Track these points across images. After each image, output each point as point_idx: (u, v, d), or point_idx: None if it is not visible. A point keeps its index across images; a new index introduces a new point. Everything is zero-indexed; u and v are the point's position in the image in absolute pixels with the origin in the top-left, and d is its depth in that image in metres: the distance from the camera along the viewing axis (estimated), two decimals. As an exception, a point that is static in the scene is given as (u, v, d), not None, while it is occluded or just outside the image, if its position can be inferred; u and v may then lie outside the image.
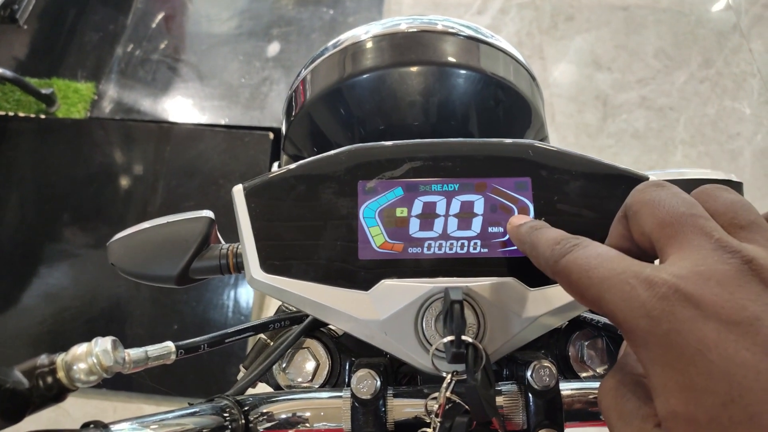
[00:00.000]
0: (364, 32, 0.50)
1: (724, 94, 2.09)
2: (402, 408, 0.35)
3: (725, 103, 2.07)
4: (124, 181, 1.71)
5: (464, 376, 0.31)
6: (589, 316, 0.42)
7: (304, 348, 0.41)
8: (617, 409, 0.24)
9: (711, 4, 2.34)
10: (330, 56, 0.50)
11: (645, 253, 0.25)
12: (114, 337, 0.32)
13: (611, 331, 0.41)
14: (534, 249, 0.28)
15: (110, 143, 1.74)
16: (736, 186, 0.52)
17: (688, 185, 0.50)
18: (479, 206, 0.35)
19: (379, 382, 0.34)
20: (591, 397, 0.35)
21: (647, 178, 0.35)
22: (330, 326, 0.42)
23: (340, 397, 0.35)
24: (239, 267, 0.43)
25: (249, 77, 1.94)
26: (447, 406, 0.31)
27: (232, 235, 0.42)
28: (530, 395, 0.34)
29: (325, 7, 2.17)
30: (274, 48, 2.01)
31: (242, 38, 2.04)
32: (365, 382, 0.34)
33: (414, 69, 0.48)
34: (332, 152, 0.36)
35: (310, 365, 0.40)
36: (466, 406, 0.30)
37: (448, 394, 0.31)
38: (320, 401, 0.36)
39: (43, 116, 1.88)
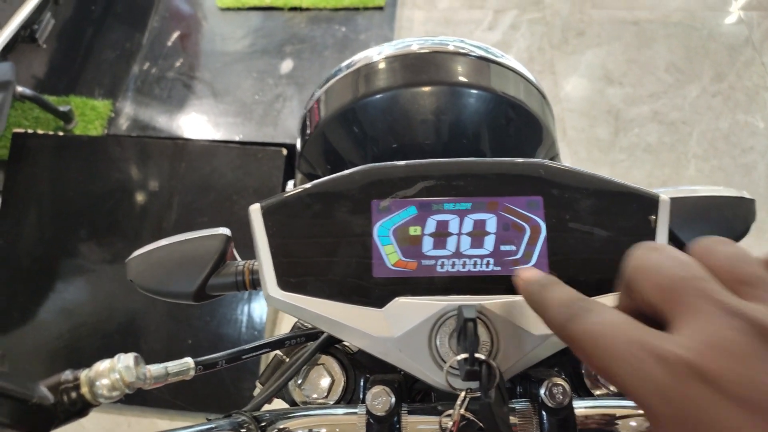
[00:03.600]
0: (377, 53, 0.51)
1: (736, 107, 2.08)
2: (416, 425, 0.35)
3: (738, 116, 2.06)
4: (140, 197, 1.73)
5: (478, 394, 0.32)
6: None
7: (320, 365, 0.41)
8: None
9: (722, 18, 2.34)
10: (344, 77, 0.52)
11: (653, 317, 0.24)
12: (136, 354, 0.33)
13: None
14: (543, 309, 0.28)
15: (126, 159, 1.76)
16: (749, 203, 0.52)
17: (701, 202, 0.51)
18: (491, 225, 0.36)
19: (393, 399, 0.35)
20: (605, 414, 0.35)
21: (657, 196, 0.36)
22: (345, 343, 0.43)
23: (355, 413, 0.36)
24: (255, 284, 0.44)
25: (262, 94, 1.97)
26: (461, 423, 0.31)
27: (247, 251, 0.42)
28: (544, 413, 0.34)
29: (337, 24, 2.19)
30: (287, 65, 2.04)
31: (256, 56, 2.07)
32: (380, 398, 0.34)
33: (426, 89, 0.49)
34: (346, 172, 0.37)
35: (326, 381, 0.41)
36: (481, 424, 0.31)
37: (462, 411, 0.31)
38: (336, 417, 0.36)
39: (60, 133, 1.92)
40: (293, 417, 0.36)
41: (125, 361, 0.33)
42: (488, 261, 0.35)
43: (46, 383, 0.31)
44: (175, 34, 2.18)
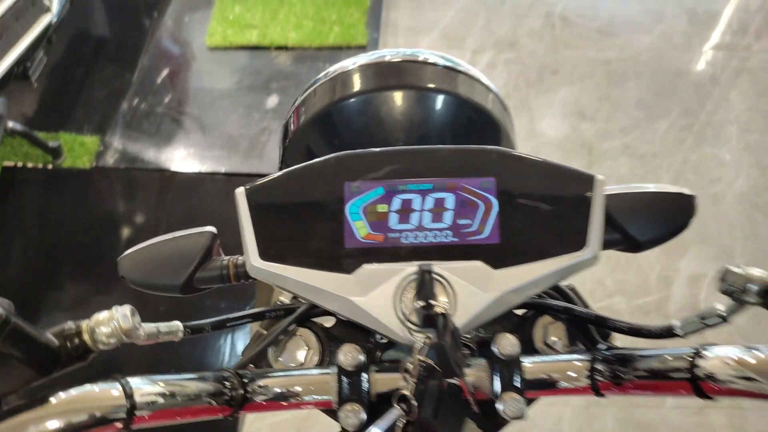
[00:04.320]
0: (352, 63, 0.57)
1: (704, 141, 2.18)
2: (384, 381, 0.39)
3: (705, 149, 2.16)
4: (127, 228, 1.76)
5: (438, 342, 0.36)
6: (552, 302, 0.46)
7: (297, 336, 0.45)
8: None
9: (689, 57, 2.47)
10: (321, 84, 0.57)
11: None
12: (132, 306, 0.37)
13: (571, 314, 0.45)
14: None
15: (114, 191, 1.80)
16: (689, 199, 0.57)
17: (645, 197, 0.56)
18: (450, 202, 0.40)
19: (362, 357, 0.38)
20: (551, 368, 0.39)
21: (593, 176, 0.41)
22: (321, 318, 0.47)
23: (329, 373, 0.39)
24: (239, 276, 0.48)
25: (248, 128, 2.03)
26: (421, 368, 0.35)
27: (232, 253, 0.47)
28: (495, 365, 0.38)
29: (321, 62, 2.28)
30: (272, 101, 2.11)
31: (243, 92, 2.15)
32: (350, 354, 0.38)
33: (396, 93, 0.54)
34: (323, 158, 0.42)
35: (302, 352, 0.44)
36: (438, 368, 0.35)
37: (420, 357, 0.35)
38: (310, 377, 0.40)
39: (49, 166, 1.95)
40: (273, 377, 0.40)
41: (122, 311, 0.36)
42: (447, 233, 0.40)
43: (51, 331, 0.34)
44: (165, 72, 2.25)
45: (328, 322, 0.47)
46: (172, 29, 2.49)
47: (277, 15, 2.36)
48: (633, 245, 0.54)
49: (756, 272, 0.36)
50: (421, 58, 0.55)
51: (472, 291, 0.38)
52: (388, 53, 0.56)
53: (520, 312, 0.47)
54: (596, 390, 0.39)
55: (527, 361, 0.39)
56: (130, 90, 2.21)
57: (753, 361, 0.34)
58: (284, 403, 0.39)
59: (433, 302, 0.34)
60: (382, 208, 0.41)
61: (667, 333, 0.40)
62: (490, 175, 0.41)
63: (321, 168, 0.41)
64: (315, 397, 0.39)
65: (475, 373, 0.39)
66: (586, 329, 0.45)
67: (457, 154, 0.42)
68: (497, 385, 0.38)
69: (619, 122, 2.24)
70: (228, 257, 0.49)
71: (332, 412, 0.39)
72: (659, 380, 0.38)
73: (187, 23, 2.52)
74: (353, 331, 0.45)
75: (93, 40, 2.53)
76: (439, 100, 0.54)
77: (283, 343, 0.45)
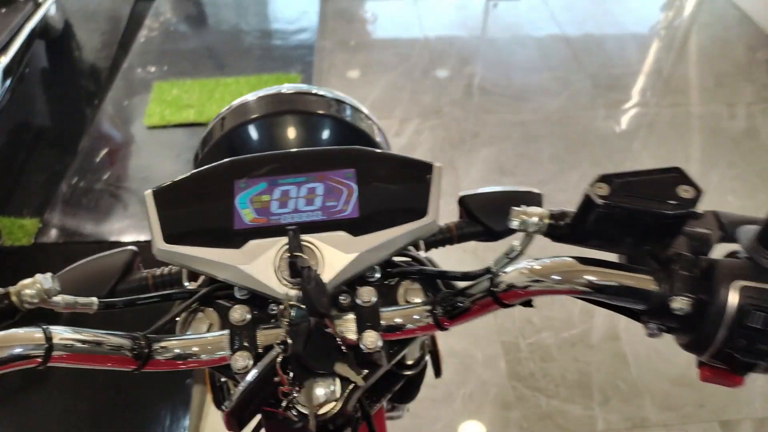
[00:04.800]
0: (253, 95, 0.68)
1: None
2: (270, 335, 0.47)
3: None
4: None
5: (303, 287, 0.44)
6: (409, 268, 0.55)
7: (201, 315, 0.53)
8: None
9: (594, 115, 2.72)
10: (225, 114, 0.67)
11: None
12: (53, 274, 0.44)
13: (423, 274, 0.54)
14: None
15: (53, 265, 1.82)
16: (537, 196, 0.69)
17: (500, 196, 0.67)
18: (320, 190, 0.51)
19: (249, 315, 0.47)
20: (402, 314, 0.48)
21: (432, 164, 0.52)
22: (221, 299, 0.54)
23: (223, 334, 0.48)
24: (157, 287, 0.56)
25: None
26: (293, 311, 0.44)
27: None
28: (358, 311, 0.47)
29: (258, 136, 2.41)
30: (210, 172, 2.21)
31: (180, 164, 2.24)
32: (238, 311, 0.47)
33: (288, 116, 0.65)
34: (217, 163, 0.52)
35: (204, 326, 0.52)
36: (305, 307, 0.43)
37: (291, 302, 0.44)
38: (207, 339, 0.48)
39: (-14, 247, 1.97)
40: (173, 340, 0.48)
41: (45, 276, 0.44)
42: (318, 213, 0.50)
43: None
44: (104, 152, 2.33)
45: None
46: (112, 113, 2.60)
47: (213, 95, 2.50)
48: (491, 235, 0.65)
49: (534, 210, 0.47)
50: (311, 91, 0.67)
51: (335, 253, 0.47)
52: (284, 87, 0.68)
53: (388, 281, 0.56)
54: (438, 324, 0.49)
55: (385, 311, 0.48)
56: (70, 171, 2.27)
57: (539, 267, 0.44)
58: (184, 362, 0.47)
59: (298, 254, 0.43)
60: (265, 197, 0.50)
61: (487, 271, 0.50)
62: (351, 167, 0.51)
63: (215, 170, 0.51)
64: (211, 355, 0.47)
65: (343, 322, 0.47)
66: (436, 284, 0.54)
67: (325, 152, 0.52)
68: (360, 326, 0.47)
69: (536, 175, 2.43)
70: (147, 270, 0.58)
71: (226, 368, 0.47)
72: (473, 303, 0.47)
73: (127, 107, 2.63)
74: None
75: (33, 128, 2.60)
76: (321, 121, 0.65)
77: (189, 320, 0.52)
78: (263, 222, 0.49)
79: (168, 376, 1.69)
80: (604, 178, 0.42)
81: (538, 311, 1.96)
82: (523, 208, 0.46)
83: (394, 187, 0.51)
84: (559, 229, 0.45)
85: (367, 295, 0.47)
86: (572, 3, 3.57)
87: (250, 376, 0.45)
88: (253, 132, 0.64)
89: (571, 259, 0.44)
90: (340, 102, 0.68)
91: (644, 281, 0.41)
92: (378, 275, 0.53)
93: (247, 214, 0.50)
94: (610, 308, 0.45)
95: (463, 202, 0.63)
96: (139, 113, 2.56)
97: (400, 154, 0.53)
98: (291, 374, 0.45)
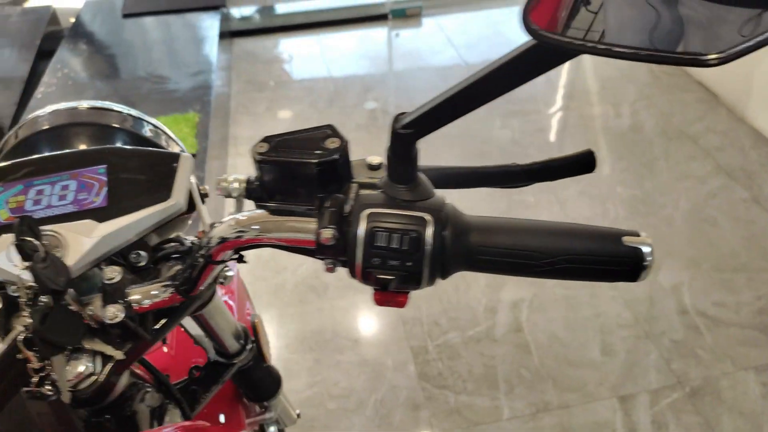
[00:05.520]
0: (48, 108, 0.73)
1: (510, 191, 2.51)
2: (21, 319, 0.52)
3: (513, 197, 2.48)
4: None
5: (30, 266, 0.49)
6: (162, 252, 0.61)
7: None
8: None
9: (491, 125, 2.87)
10: (20, 125, 0.72)
11: None
12: None
13: (180, 252, 0.60)
14: None
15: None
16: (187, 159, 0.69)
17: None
18: (73, 186, 0.57)
19: (1, 304, 0.52)
20: (148, 289, 0.54)
21: (178, 155, 0.59)
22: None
23: None
24: None
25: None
26: (28, 291, 0.49)
27: None
28: (103, 288, 0.53)
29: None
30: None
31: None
32: None
33: (76, 128, 0.70)
34: None
35: None
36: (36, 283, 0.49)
37: (27, 283, 0.49)
38: None
39: None
40: None
41: None
42: (70, 206, 0.56)
43: None
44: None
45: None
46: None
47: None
48: None
49: (233, 177, 0.53)
50: (105, 107, 0.73)
51: (79, 239, 0.53)
52: (83, 103, 0.73)
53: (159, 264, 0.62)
54: (182, 294, 0.54)
55: (134, 287, 0.54)
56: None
57: (243, 218, 0.51)
58: None
59: (24, 238, 0.49)
60: (20, 198, 0.56)
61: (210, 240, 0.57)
62: (103, 164, 0.58)
63: None
64: None
65: (92, 299, 0.53)
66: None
67: (79, 153, 0.59)
68: (105, 302, 0.52)
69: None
70: None
71: None
72: (198, 268, 0.54)
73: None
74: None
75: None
76: (107, 131, 0.71)
77: None
78: (15, 220, 0.55)
79: None
80: (266, 139, 0.49)
81: (444, 313, 2.04)
82: (225, 176, 0.53)
83: (141, 177, 0.57)
84: (254, 191, 0.52)
85: (110, 273, 0.53)
86: (466, 27, 3.77)
87: None
88: (42, 142, 0.69)
89: (263, 211, 0.51)
90: (134, 117, 0.74)
91: (306, 222, 0.49)
92: (144, 259, 0.58)
93: (2, 214, 0.55)
94: (307, 254, 0.52)
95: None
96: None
97: (150, 149, 0.60)
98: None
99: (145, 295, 0.54)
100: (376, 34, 3.76)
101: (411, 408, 1.79)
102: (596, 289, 2.09)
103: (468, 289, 2.11)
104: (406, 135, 0.43)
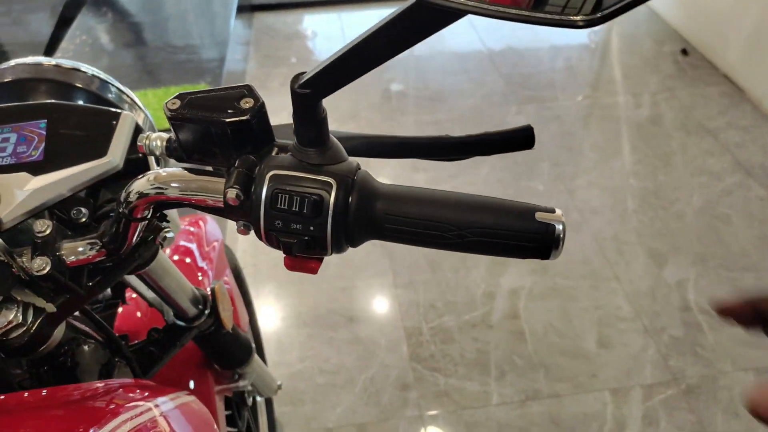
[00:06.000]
0: (13, 62, 0.73)
1: (520, 177, 2.48)
2: None
3: (522, 183, 2.45)
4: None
5: None
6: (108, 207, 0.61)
7: None
8: None
9: (506, 111, 2.82)
10: None
11: None
12: None
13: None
14: None
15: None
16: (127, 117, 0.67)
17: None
18: (13, 139, 0.57)
19: None
20: (78, 244, 0.54)
21: (119, 113, 0.59)
22: None
23: None
24: None
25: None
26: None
27: None
28: (35, 242, 0.53)
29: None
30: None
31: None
32: None
33: (35, 83, 0.71)
34: None
35: None
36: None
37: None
38: None
39: None
40: None
41: None
42: (8, 158, 0.56)
43: None
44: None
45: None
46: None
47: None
48: None
49: (155, 135, 0.53)
50: (72, 66, 0.73)
51: (12, 190, 0.53)
52: (50, 60, 0.74)
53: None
54: (110, 252, 0.54)
55: (66, 242, 0.54)
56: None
57: (164, 174, 0.50)
58: None
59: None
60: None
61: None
62: (43, 119, 0.58)
63: None
64: None
65: (23, 251, 0.54)
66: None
67: (21, 107, 0.59)
68: (33, 254, 0.53)
69: (447, 170, 2.51)
70: None
71: None
72: (122, 224, 0.53)
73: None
74: None
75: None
76: (65, 89, 0.72)
77: None
78: None
79: None
80: (180, 96, 0.48)
81: (441, 296, 2.03)
82: (147, 134, 0.53)
83: (80, 134, 0.57)
84: (174, 150, 0.51)
85: (40, 226, 0.53)
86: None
87: None
88: (1, 93, 0.70)
89: (180, 169, 0.51)
90: (101, 80, 0.74)
91: (216, 182, 0.48)
92: (84, 216, 0.59)
93: (-60, 163, 0.56)
94: (220, 214, 0.51)
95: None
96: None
97: (92, 106, 0.60)
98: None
99: (72, 250, 0.54)
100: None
101: (400, 388, 1.79)
102: (598, 281, 2.05)
103: (468, 273, 2.10)
104: (305, 95, 0.42)
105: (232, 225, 0.51)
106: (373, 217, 0.45)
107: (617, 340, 1.89)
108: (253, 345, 1.06)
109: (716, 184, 2.39)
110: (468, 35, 3.43)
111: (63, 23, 2.74)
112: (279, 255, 0.48)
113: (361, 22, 3.65)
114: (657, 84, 2.96)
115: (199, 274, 1.05)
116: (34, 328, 0.55)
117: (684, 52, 3.13)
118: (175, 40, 2.75)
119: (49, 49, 2.57)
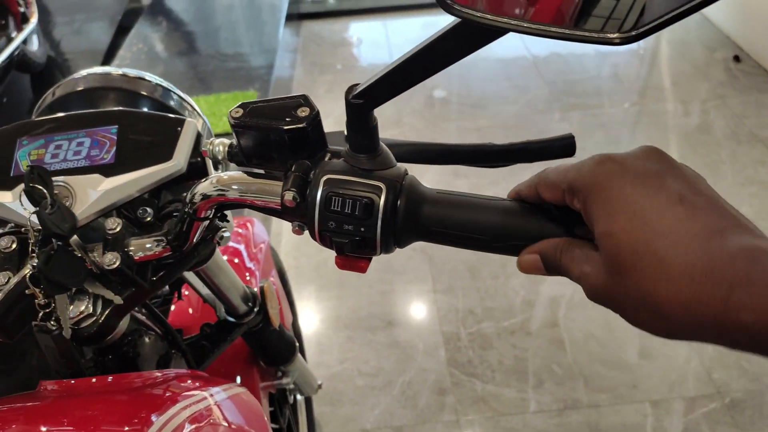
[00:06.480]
0: (84, 72, 0.79)
1: (563, 184, 2.46)
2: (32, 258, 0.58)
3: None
4: None
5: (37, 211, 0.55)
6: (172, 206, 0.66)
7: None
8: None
9: (550, 118, 2.81)
10: (58, 85, 0.79)
11: None
12: None
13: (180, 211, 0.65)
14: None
15: None
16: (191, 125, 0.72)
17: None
18: (87, 143, 0.62)
19: (15, 243, 0.58)
20: (145, 241, 0.59)
21: (184, 120, 0.63)
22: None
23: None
24: None
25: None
26: (37, 234, 0.55)
27: None
28: (105, 237, 0.58)
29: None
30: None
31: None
32: (5, 240, 0.58)
33: (105, 91, 0.76)
34: (10, 125, 0.64)
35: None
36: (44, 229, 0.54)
37: (35, 226, 0.55)
38: None
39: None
40: None
41: None
42: (83, 161, 0.61)
43: None
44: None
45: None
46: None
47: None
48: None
49: (218, 141, 0.57)
50: (137, 75, 0.79)
51: (87, 190, 0.58)
52: (118, 70, 0.80)
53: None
54: (174, 249, 0.59)
55: (134, 239, 0.59)
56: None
57: (225, 177, 0.54)
58: None
59: (33, 185, 0.54)
60: (41, 151, 0.62)
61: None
62: (114, 125, 0.63)
63: (5, 131, 0.63)
64: None
65: (95, 246, 0.58)
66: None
67: (96, 114, 0.64)
68: (105, 249, 0.57)
69: (489, 176, 2.51)
70: None
71: None
72: (187, 224, 0.58)
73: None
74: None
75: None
76: (132, 96, 0.77)
77: None
78: None
79: None
80: (243, 105, 0.52)
81: (481, 302, 2.04)
82: (211, 140, 0.57)
83: (148, 139, 0.62)
84: (235, 155, 0.55)
85: (111, 224, 0.58)
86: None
87: (6, 288, 0.56)
88: (74, 101, 0.76)
89: (241, 172, 0.54)
90: (164, 88, 0.80)
91: (274, 185, 0.51)
92: (150, 215, 0.63)
93: (24, 164, 0.61)
94: (277, 216, 0.55)
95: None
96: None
97: (159, 113, 0.64)
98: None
99: (140, 246, 0.59)
100: (441, 20, 3.74)
101: (437, 392, 1.81)
102: (641, 291, 2.02)
103: (507, 281, 2.10)
104: (359, 105, 0.45)
105: (276, 227, 0.55)
106: (420, 220, 0.48)
107: (660, 352, 1.86)
108: (297, 344, 1.10)
109: (767, 195, 2.32)
110: (512, 42, 3.43)
111: (120, 32, 2.87)
112: (320, 258, 0.51)
113: (405, 29, 3.69)
114: (707, 91, 2.89)
115: (247, 273, 1.09)
116: (102, 318, 0.60)
117: (736, 58, 3.06)
118: (226, 48, 2.84)
119: (108, 57, 2.69)
